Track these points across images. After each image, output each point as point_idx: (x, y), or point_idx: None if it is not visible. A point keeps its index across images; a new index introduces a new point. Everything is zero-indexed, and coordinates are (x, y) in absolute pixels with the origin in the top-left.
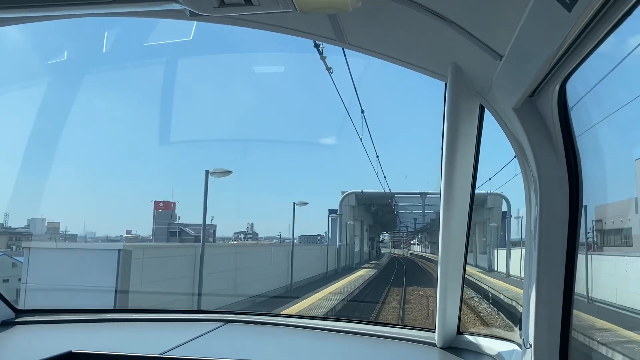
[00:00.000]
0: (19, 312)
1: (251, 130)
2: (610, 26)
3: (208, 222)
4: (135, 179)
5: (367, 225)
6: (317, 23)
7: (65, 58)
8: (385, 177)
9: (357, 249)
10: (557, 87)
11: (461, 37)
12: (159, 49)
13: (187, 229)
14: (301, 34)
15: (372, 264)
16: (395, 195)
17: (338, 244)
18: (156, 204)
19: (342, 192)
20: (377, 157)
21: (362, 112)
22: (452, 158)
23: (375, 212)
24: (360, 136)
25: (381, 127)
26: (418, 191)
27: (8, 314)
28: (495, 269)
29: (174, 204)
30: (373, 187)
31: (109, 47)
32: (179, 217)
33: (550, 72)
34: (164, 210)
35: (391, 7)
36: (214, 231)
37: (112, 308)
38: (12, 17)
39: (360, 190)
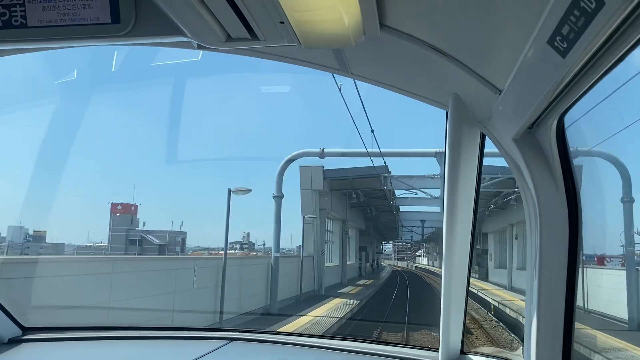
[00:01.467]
0: (26, 330)
1: (256, 147)
2: (604, 70)
3: (176, 229)
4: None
5: (356, 228)
6: (321, 54)
7: (75, 77)
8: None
9: (332, 262)
10: (555, 121)
11: (461, 71)
12: (167, 69)
13: (150, 237)
14: (305, 64)
15: (359, 285)
16: (391, 172)
17: (274, 255)
18: (113, 206)
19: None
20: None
21: (372, 131)
22: (454, 185)
23: (362, 204)
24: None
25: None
26: (432, 150)
27: (15, 331)
28: None
29: (135, 206)
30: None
31: (118, 67)
32: (144, 223)
33: (547, 108)
34: (123, 214)
35: (393, 42)
36: (183, 239)
37: (119, 325)
38: (26, 48)
39: (319, 150)
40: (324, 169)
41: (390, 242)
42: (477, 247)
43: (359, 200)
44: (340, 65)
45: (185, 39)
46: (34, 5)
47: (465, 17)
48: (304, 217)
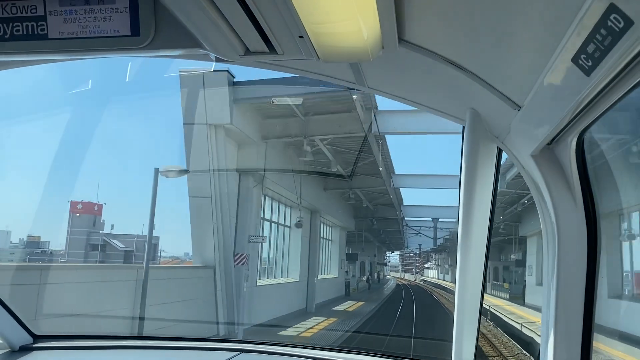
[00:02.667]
0: (37, 337)
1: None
2: (628, 89)
3: (146, 233)
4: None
5: (340, 227)
6: (337, 68)
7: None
8: None
9: (289, 277)
10: (575, 138)
11: (480, 86)
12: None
13: (114, 242)
14: (322, 77)
15: (336, 313)
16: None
17: None
18: (73, 205)
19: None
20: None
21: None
22: (470, 201)
23: (340, 184)
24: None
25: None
26: None
27: (26, 339)
28: None
29: (100, 206)
30: None
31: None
32: (113, 226)
33: (568, 125)
34: (84, 214)
35: (410, 56)
36: (155, 245)
37: (129, 335)
38: (47, 59)
39: None
40: (235, 80)
41: (395, 252)
42: (512, 256)
43: (324, 168)
44: (357, 79)
45: (203, 52)
46: (55, 18)
47: (486, 33)
48: (157, 171)
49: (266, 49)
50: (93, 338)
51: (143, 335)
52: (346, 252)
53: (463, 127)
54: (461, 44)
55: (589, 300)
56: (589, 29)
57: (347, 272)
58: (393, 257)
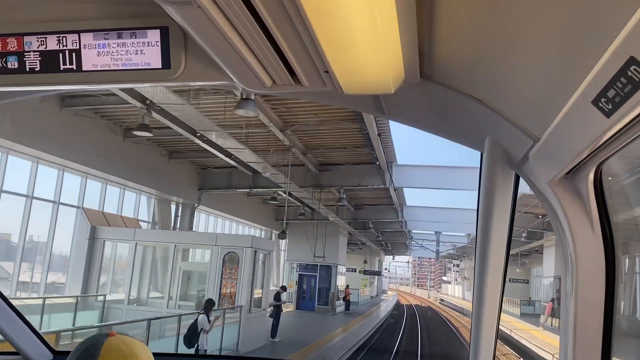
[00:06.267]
0: (57, 354)
1: None
2: None
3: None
4: None
5: None
6: (359, 98)
7: None
8: None
9: None
10: (594, 169)
11: (499, 118)
12: None
13: None
14: (344, 105)
15: None
16: None
17: None
18: None
19: None
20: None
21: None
22: (488, 226)
23: None
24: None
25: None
26: None
27: (46, 355)
28: None
29: None
30: None
31: None
32: None
33: (586, 158)
34: None
35: (431, 89)
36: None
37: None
38: (80, 90)
39: None
40: None
41: (395, 255)
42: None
43: None
44: (377, 108)
45: (231, 83)
46: (89, 51)
47: (507, 71)
48: None
49: (292, 82)
50: None
51: (159, 352)
52: None
53: (481, 154)
54: (482, 80)
55: (607, 329)
56: (609, 77)
57: None
58: (399, 265)
